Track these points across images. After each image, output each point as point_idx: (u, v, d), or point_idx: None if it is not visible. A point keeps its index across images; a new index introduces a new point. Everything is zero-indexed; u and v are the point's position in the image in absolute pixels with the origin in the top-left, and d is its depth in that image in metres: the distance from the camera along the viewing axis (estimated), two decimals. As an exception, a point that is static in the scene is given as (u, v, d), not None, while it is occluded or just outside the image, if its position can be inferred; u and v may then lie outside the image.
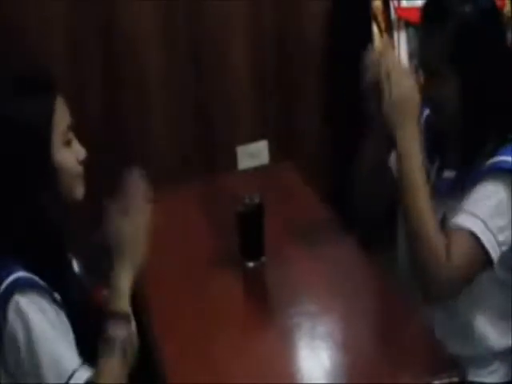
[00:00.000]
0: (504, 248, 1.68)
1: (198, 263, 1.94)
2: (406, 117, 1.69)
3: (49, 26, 2.80)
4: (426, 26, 1.76)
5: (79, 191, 1.63)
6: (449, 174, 1.82)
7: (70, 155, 1.59)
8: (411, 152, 1.68)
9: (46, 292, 1.50)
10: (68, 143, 1.59)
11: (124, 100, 2.96)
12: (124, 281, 1.58)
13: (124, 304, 1.56)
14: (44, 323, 1.47)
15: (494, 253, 1.67)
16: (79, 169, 1.61)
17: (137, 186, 1.67)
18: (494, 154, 1.72)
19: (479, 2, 1.75)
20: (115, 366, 1.51)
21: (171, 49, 2.97)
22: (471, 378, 1.77)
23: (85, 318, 1.59)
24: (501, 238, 1.67)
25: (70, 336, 1.53)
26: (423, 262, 1.65)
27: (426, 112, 1.93)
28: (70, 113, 1.62)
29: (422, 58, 1.78)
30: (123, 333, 1.54)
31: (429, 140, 1.91)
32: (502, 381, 1.80)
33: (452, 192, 1.77)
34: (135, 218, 1.60)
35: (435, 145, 1.89)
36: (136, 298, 1.62)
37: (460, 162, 1.79)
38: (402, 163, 1.69)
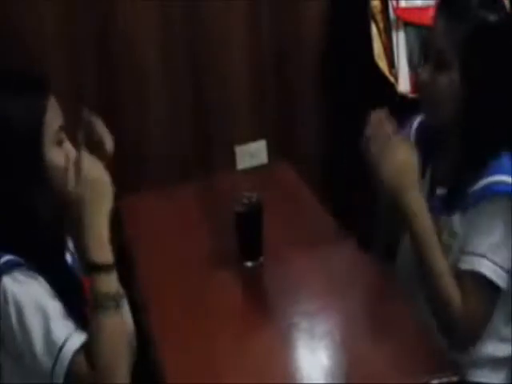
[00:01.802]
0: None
1: (196, 263, 1.94)
2: (406, 185, 1.69)
3: (47, 26, 2.80)
4: (442, 16, 1.77)
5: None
6: (441, 191, 1.82)
7: (61, 155, 1.60)
8: (420, 215, 1.69)
9: (30, 270, 1.51)
10: (59, 143, 1.60)
11: (123, 100, 2.96)
12: (100, 227, 1.51)
13: (106, 254, 1.50)
14: (31, 297, 1.48)
15: (504, 283, 1.71)
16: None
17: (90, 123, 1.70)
18: (484, 167, 1.73)
19: (499, 8, 1.78)
20: (110, 322, 1.46)
21: (170, 49, 2.96)
22: (472, 378, 1.77)
23: (77, 307, 1.60)
24: (507, 265, 1.71)
25: (58, 304, 1.52)
26: (443, 315, 1.71)
27: (418, 120, 1.94)
28: (64, 113, 1.62)
29: (434, 48, 1.78)
30: (112, 286, 1.49)
31: (420, 151, 1.91)
32: (503, 382, 1.80)
33: (445, 211, 1.78)
34: (95, 158, 1.57)
35: (426, 157, 1.89)
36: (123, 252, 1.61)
37: (451, 177, 1.79)
38: (412, 227, 1.70)
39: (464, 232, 1.75)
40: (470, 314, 1.69)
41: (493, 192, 1.71)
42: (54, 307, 1.50)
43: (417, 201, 1.69)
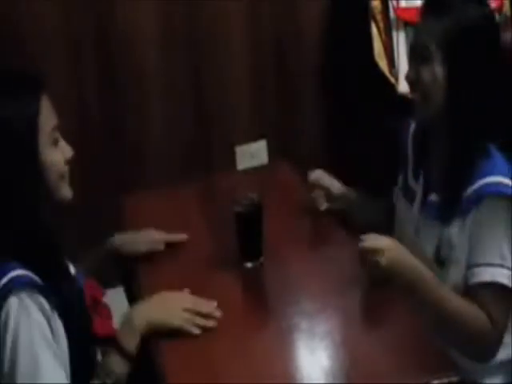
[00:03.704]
0: None
1: (196, 263, 1.94)
2: (400, 272, 1.69)
3: (47, 26, 2.80)
4: (426, 13, 1.79)
5: (66, 191, 1.64)
6: (435, 197, 1.82)
7: (57, 154, 1.60)
8: (418, 283, 1.70)
9: (40, 292, 1.50)
10: (55, 143, 1.60)
11: (123, 101, 2.96)
12: (141, 322, 1.63)
13: (132, 343, 1.61)
14: (32, 335, 1.48)
15: None
16: (65, 168, 1.63)
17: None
18: (475, 166, 1.73)
19: (481, 3, 1.80)
20: None
21: (170, 49, 2.97)
22: (472, 378, 1.77)
23: (78, 317, 1.60)
24: None
25: (62, 349, 1.54)
26: (473, 339, 1.71)
27: (413, 127, 1.95)
28: (58, 114, 1.62)
29: (418, 44, 1.79)
30: (120, 370, 1.59)
31: (414, 156, 1.92)
32: (503, 382, 1.80)
33: (441, 218, 1.78)
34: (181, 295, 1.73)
35: (420, 161, 1.90)
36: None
37: (444, 181, 1.79)
38: (417, 294, 1.71)
39: (467, 242, 1.74)
40: (496, 325, 1.70)
41: (489, 193, 1.71)
42: (49, 346, 1.50)
43: (412, 278, 1.69)
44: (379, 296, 1.75)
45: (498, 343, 1.74)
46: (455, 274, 1.76)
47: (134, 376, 1.63)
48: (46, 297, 1.51)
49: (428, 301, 1.70)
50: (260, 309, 1.80)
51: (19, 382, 1.46)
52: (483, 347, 1.74)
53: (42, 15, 2.78)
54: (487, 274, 1.70)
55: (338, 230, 2.04)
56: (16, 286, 1.48)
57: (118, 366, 1.60)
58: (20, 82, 1.58)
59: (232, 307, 1.75)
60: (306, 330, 1.67)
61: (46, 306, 1.51)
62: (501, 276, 1.69)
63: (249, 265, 1.90)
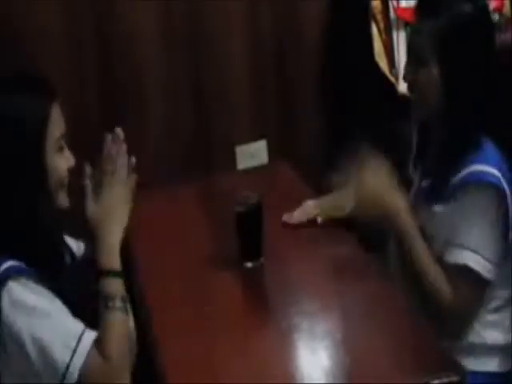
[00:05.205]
0: (500, 261, 1.76)
1: (196, 263, 1.94)
2: (390, 209, 1.80)
3: (48, 26, 2.80)
4: (420, 14, 1.80)
5: (63, 199, 1.66)
6: (426, 183, 1.85)
7: (60, 161, 1.62)
8: (411, 231, 1.78)
9: (36, 277, 1.52)
10: (60, 150, 1.63)
11: (123, 100, 2.96)
12: (114, 237, 1.64)
13: (116, 261, 1.61)
14: (40, 302, 1.50)
15: (492, 275, 1.75)
16: (65, 176, 1.64)
17: (118, 148, 1.77)
18: (466, 154, 1.74)
19: (475, 1, 1.80)
20: (119, 321, 1.55)
21: (170, 49, 2.97)
22: (468, 367, 1.77)
23: (78, 310, 1.60)
24: (495, 258, 1.74)
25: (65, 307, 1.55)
26: (434, 303, 1.77)
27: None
28: (66, 117, 1.64)
29: (413, 46, 1.81)
30: (120, 289, 1.59)
31: (417, 147, 1.94)
32: (499, 370, 1.81)
33: (428, 201, 1.80)
34: (123, 179, 1.73)
35: (420, 152, 1.91)
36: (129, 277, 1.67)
37: (434, 168, 1.81)
38: (406, 242, 1.80)
39: (451, 222, 1.76)
40: (458, 304, 1.74)
41: (478, 180, 1.73)
42: (62, 309, 1.53)
43: (405, 220, 1.78)
44: (379, 296, 1.75)
45: (460, 320, 1.78)
46: (440, 249, 1.79)
47: (134, 376, 1.63)
48: (43, 284, 1.53)
49: (411, 246, 1.78)
50: (260, 309, 1.80)
51: (50, 342, 1.48)
52: (444, 319, 1.77)
53: (42, 15, 2.78)
54: (460, 256, 1.74)
55: (339, 230, 2.04)
56: (13, 273, 1.50)
57: (117, 287, 1.59)
58: (33, 86, 1.61)
59: (232, 307, 1.75)
60: (306, 329, 1.68)
61: (45, 290, 1.53)
62: (473, 261, 1.73)
63: (249, 265, 1.90)
